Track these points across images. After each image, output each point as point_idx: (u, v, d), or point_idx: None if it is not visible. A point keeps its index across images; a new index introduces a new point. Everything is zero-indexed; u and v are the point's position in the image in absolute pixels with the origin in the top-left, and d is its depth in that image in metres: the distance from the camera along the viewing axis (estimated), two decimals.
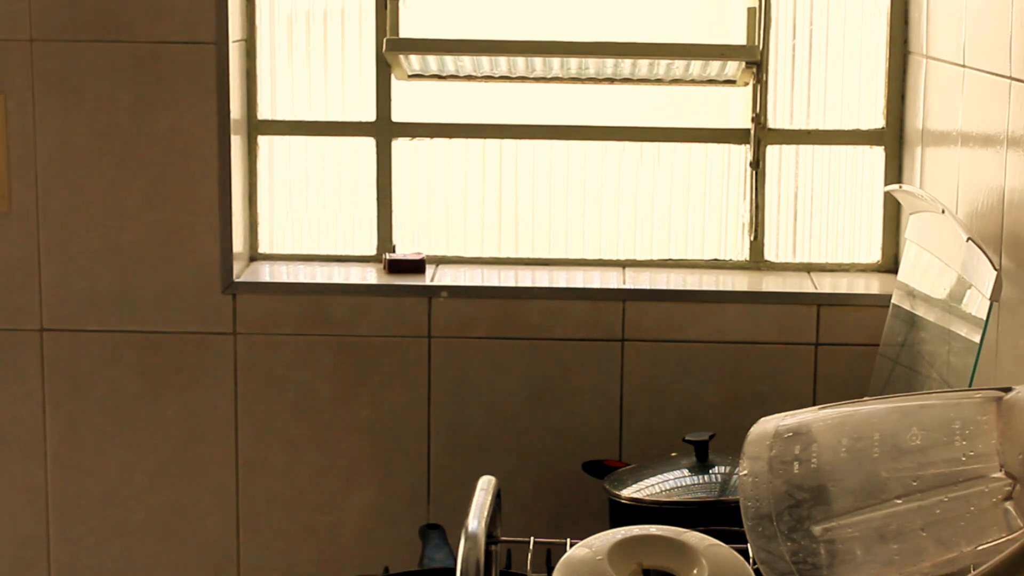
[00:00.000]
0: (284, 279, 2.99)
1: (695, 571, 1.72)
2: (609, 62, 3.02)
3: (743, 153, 3.06)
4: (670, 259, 3.10)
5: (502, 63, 3.03)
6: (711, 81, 3.05)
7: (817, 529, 1.52)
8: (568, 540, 1.87)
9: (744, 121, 3.07)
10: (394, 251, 3.09)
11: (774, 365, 2.91)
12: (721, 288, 2.96)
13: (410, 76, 3.06)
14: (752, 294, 2.93)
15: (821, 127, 3.05)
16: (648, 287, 2.96)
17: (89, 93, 2.86)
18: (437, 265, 3.07)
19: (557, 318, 2.92)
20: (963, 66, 2.55)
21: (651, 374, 2.93)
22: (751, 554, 1.65)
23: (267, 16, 3.04)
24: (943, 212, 2.49)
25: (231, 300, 2.92)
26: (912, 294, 2.65)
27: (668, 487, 2.49)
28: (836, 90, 3.06)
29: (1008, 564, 1.28)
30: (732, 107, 3.20)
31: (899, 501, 1.49)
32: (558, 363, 2.93)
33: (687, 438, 2.54)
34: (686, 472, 2.51)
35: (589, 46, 2.99)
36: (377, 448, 2.97)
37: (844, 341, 2.89)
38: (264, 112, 3.06)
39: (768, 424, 1.67)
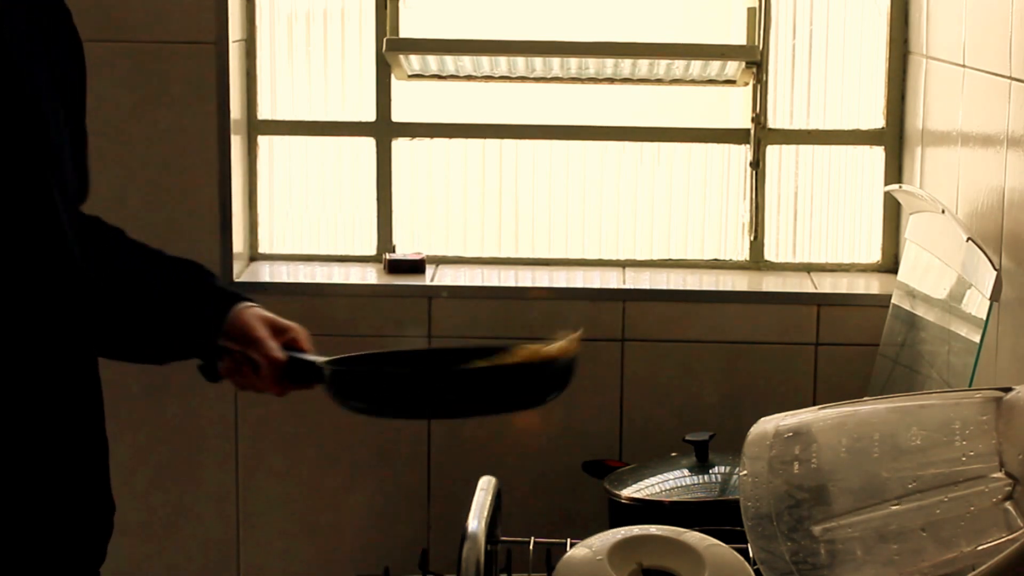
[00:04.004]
0: (284, 279, 2.99)
1: (695, 571, 1.72)
2: (609, 62, 3.02)
3: (743, 153, 3.06)
4: (670, 259, 3.10)
5: (502, 63, 3.03)
6: (711, 81, 3.05)
7: (817, 529, 1.52)
8: (568, 540, 1.87)
9: (744, 121, 3.07)
10: (394, 251, 3.09)
11: (774, 365, 2.91)
12: (721, 288, 2.96)
13: (410, 76, 3.06)
14: (752, 294, 2.93)
15: (821, 127, 3.05)
16: (648, 287, 2.96)
17: (89, 93, 2.85)
18: (437, 265, 3.07)
19: (557, 318, 2.92)
20: (963, 66, 2.55)
21: (651, 374, 2.93)
22: (751, 554, 1.65)
23: (267, 16, 3.04)
24: (943, 212, 2.49)
25: None
26: (912, 294, 2.65)
27: (668, 487, 2.49)
28: (836, 90, 3.06)
29: (1008, 564, 1.28)
30: (732, 107, 3.20)
31: (899, 501, 1.49)
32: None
33: (687, 438, 2.54)
34: (686, 472, 2.51)
35: (589, 46, 2.99)
36: (377, 448, 2.97)
37: (844, 341, 2.89)
38: (264, 112, 3.06)
39: (768, 424, 1.67)
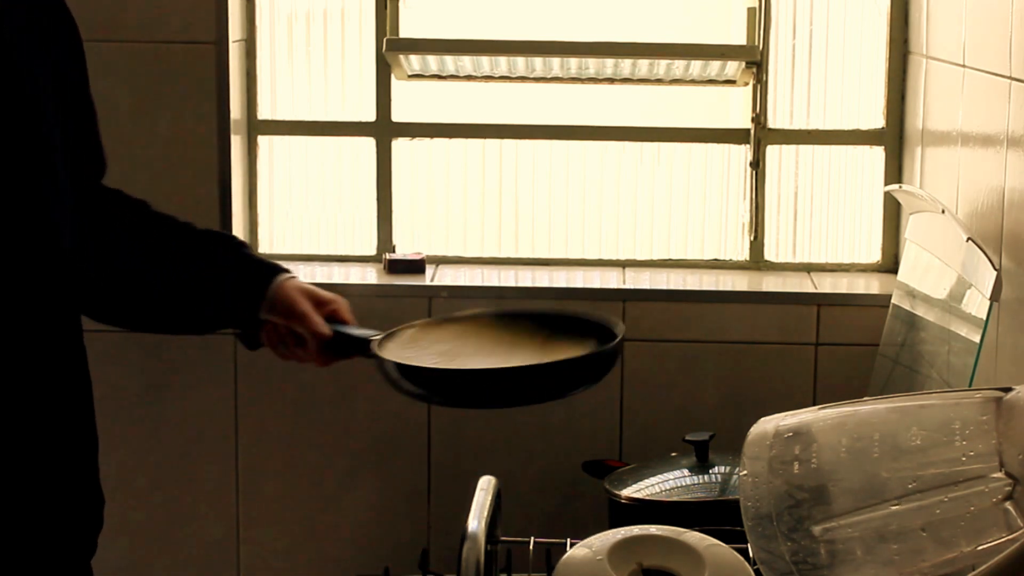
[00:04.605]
0: None
1: (695, 571, 1.72)
2: (609, 62, 3.02)
3: (743, 153, 3.06)
4: (670, 259, 3.10)
5: (502, 63, 3.03)
6: (711, 81, 3.05)
7: (817, 529, 1.52)
8: (568, 540, 1.87)
9: (744, 121, 3.07)
10: (394, 251, 3.09)
11: (774, 365, 2.91)
12: (721, 288, 2.96)
13: (410, 76, 3.06)
14: (752, 294, 2.93)
15: (821, 127, 3.05)
16: (648, 287, 2.96)
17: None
18: (437, 265, 3.07)
19: None
20: (963, 66, 2.55)
21: (651, 374, 2.93)
22: (751, 554, 1.65)
23: (267, 16, 3.04)
24: (943, 212, 2.49)
25: None
26: (912, 294, 2.65)
27: (668, 487, 2.49)
28: (836, 90, 3.06)
29: (1008, 564, 1.28)
30: (732, 107, 3.20)
31: (899, 501, 1.49)
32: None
33: (687, 438, 2.54)
34: (686, 472, 2.51)
35: (589, 46, 2.99)
36: (377, 448, 2.97)
37: (844, 341, 2.89)
38: (264, 112, 3.06)
39: (768, 424, 1.67)
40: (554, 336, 1.95)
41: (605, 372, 1.92)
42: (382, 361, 1.86)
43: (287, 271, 1.94)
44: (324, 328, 1.90)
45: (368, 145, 3.08)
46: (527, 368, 1.84)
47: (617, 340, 1.90)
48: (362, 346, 1.89)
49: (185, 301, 1.89)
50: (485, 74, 3.06)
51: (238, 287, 1.91)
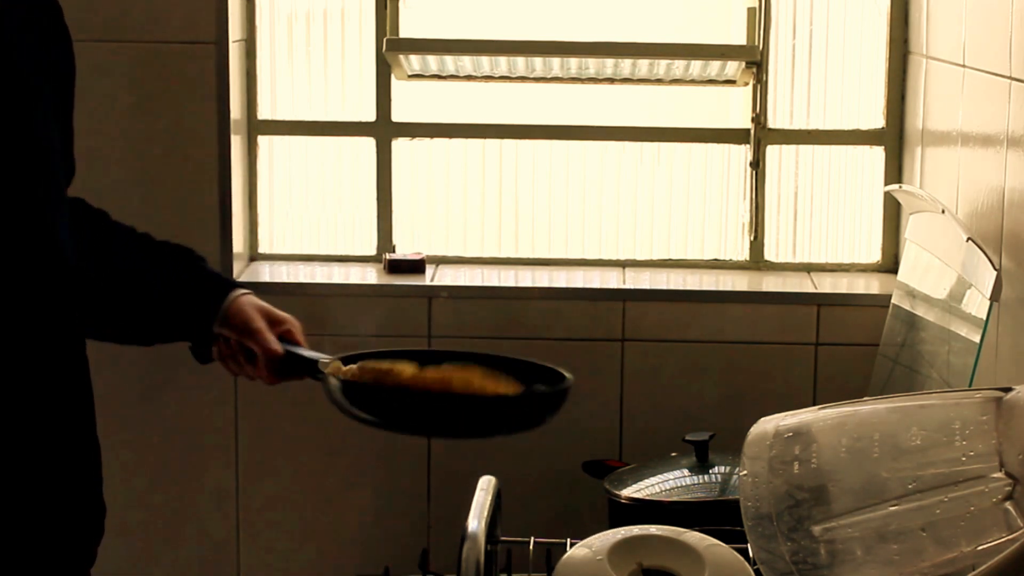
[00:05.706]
0: (284, 279, 2.99)
1: (695, 571, 1.72)
2: (609, 62, 3.02)
3: (743, 153, 3.06)
4: (670, 259, 3.10)
5: (502, 63, 3.03)
6: (711, 81, 3.05)
7: (817, 529, 1.52)
8: (568, 540, 1.87)
9: (744, 121, 3.07)
10: (394, 251, 3.09)
11: (774, 365, 2.91)
12: (721, 288, 2.96)
13: (410, 76, 3.06)
14: (752, 294, 2.93)
15: (821, 127, 3.05)
16: (648, 287, 2.96)
17: (89, 93, 2.85)
18: (437, 265, 3.07)
19: (557, 318, 2.92)
20: (963, 66, 2.55)
21: (651, 374, 2.93)
22: (751, 554, 1.65)
23: (267, 16, 3.04)
24: (943, 212, 2.49)
25: None
26: (912, 294, 2.65)
27: (668, 487, 2.49)
28: (836, 90, 3.06)
29: (1008, 564, 1.28)
30: (732, 107, 3.20)
31: (899, 501, 1.49)
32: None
33: (687, 438, 2.54)
34: (686, 472, 2.51)
35: (589, 46, 2.99)
36: (377, 448, 2.97)
37: (844, 341, 2.89)
38: (264, 112, 3.06)
39: (768, 424, 1.67)
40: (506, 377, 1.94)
41: (547, 415, 1.91)
42: (327, 381, 1.86)
43: (243, 286, 1.95)
44: (276, 346, 1.90)
45: (368, 145, 3.08)
46: (464, 398, 1.83)
47: (566, 383, 1.91)
48: (311, 367, 1.89)
49: (142, 311, 1.89)
50: (485, 74, 3.06)
51: (194, 299, 1.92)
